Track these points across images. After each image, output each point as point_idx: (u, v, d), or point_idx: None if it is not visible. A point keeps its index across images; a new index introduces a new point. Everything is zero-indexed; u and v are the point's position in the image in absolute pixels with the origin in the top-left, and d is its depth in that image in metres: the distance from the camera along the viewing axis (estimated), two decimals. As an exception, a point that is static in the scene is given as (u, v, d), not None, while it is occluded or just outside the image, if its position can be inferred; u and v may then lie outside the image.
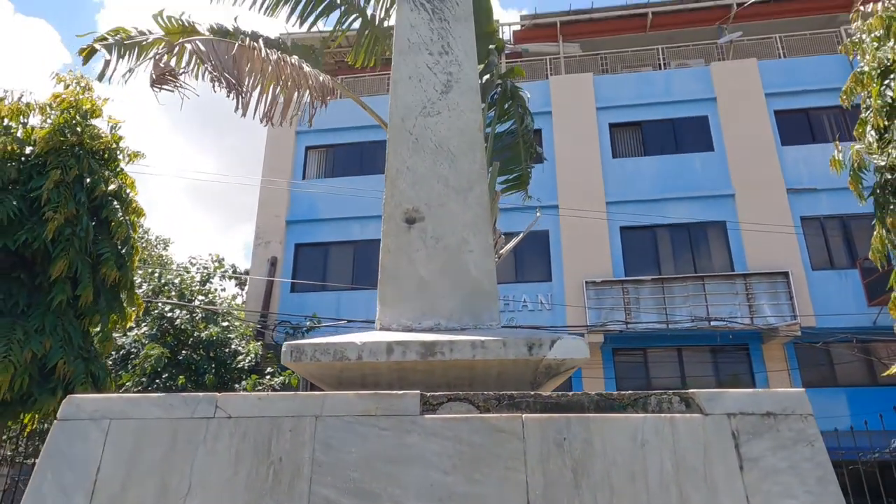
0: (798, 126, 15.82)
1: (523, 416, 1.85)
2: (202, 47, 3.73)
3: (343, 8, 5.34)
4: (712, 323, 13.37)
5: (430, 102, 2.96)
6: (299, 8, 5.28)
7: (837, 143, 6.95)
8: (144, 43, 4.39)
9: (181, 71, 3.91)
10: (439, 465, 1.82)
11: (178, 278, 14.19)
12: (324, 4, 5.23)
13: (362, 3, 5.78)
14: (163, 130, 65.12)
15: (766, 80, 16.07)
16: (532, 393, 1.92)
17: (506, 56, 17.66)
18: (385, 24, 5.46)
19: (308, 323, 13.89)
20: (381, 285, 2.60)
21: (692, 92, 16.33)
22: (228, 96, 3.64)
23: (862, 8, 6.95)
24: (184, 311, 12.76)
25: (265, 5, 5.03)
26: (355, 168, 16.83)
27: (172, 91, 3.75)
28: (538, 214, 6.89)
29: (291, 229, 16.46)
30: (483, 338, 2.22)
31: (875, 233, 6.40)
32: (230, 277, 17.94)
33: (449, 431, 1.84)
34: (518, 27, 18.61)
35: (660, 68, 17.69)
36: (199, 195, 57.45)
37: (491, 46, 5.43)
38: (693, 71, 16.96)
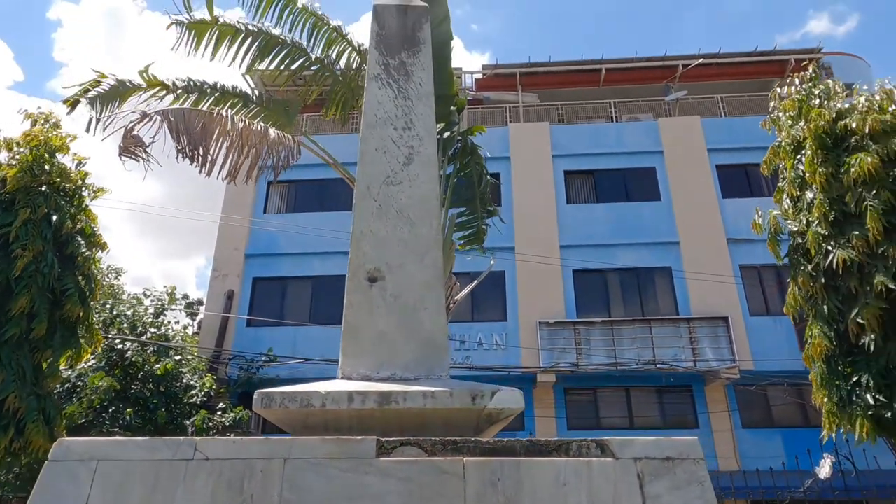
0: (737, 180, 16.95)
1: (465, 459, 2.17)
2: (172, 118, 3.99)
3: (317, 67, 5.73)
4: (658, 365, 13.97)
5: (393, 173, 3.32)
6: (275, 64, 5.63)
7: (758, 209, 7.70)
8: (124, 95, 4.65)
9: (151, 140, 4.12)
10: (392, 503, 2.11)
11: (131, 310, 13.97)
12: (298, 63, 5.61)
13: (333, 60, 6.20)
14: (109, 152, 63.72)
15: (709, 137, 17.23)
16: (472, 439, 2.24)
17: (468, 102, 18.42)
18: (354, 83, 5.86)
19: (263, 358, 13.83)
20: (343, 338, 2.90)
21: (641, 144, 17.34)
22: (192, 164, 3.91)
23: (778, 90, 7.84)
24: (135, 344, 12.56)
25: (244, 63, 5.37)
26: (317, 204, 17.05)
27: (138, 162, 3.98)
28: (492, 262, 7.31)
29: (250, 263, 16.46)
30: (433, 388, 2.54)
31: (790, 290, 7.10)
32: (186, 312, 17.67)
33: (401, 472, 2.13)
34: (480, 75, 19.47)
35: (612, 121, 18.75)
36: (145, 220, 56.03)
37: (452, 108, 5.90)
38: (642, 125, 18.04)
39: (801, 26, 68.51)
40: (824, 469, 7.38)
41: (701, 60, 18.41)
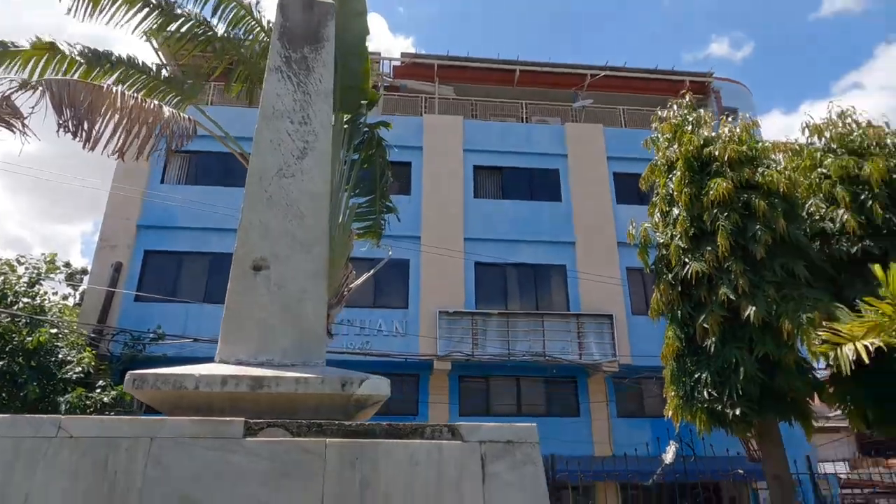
0: (631, 188, 18.12)
1: (327, 440, 2.37)
2: (55, 89, 3.80)
3: (219, 45, 5.61)
4: (546, 357, 14.85)
5: (286, 165, 3.42)
6: (176, 37, 5.46)
7: (633, 220, 8.49)
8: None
9: (30, 110, 3.89)
10: (256, 479, 2.27)
11: (1, 277, 12.86)
12: (201, 38, 5.47)
13: (240, 38, 6.10)
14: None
15: (609, 145, 18.34)
16: (336, 422, 2.44)
17: (385, 89, 18.41)
18: (260, 63, 5.80)
19: (151, 336, 13.23)
20: (223, 323, 2.99)
21: (548, 146, 18.15)
22: (75, 139, 3.75)
23: (660, 112, 8.64)
24: (3, 315, 11.60)
25: (143, 30, 5.15)
26: (218, 178, 16.40)
27: (14, 133, 3.77)
28: (389, 252, 7.51)
29: (142, 234, 15.60)
30: (306, 375, 2.72)
31: (654, 295, 7.93)
32: (67, 282, 16.45)
33: (266, 452, 2.30)
34: (399, 63, 19.49)
35: (522, 121, 19.46)
36: (21, 175, 50.94)
37: (364, 101, 6.00)
38: (550, 128, 18.88)
39: (705, 48, 73.89)
40: (669, 455, 8.30)
41: (607, 73, 19.50)
